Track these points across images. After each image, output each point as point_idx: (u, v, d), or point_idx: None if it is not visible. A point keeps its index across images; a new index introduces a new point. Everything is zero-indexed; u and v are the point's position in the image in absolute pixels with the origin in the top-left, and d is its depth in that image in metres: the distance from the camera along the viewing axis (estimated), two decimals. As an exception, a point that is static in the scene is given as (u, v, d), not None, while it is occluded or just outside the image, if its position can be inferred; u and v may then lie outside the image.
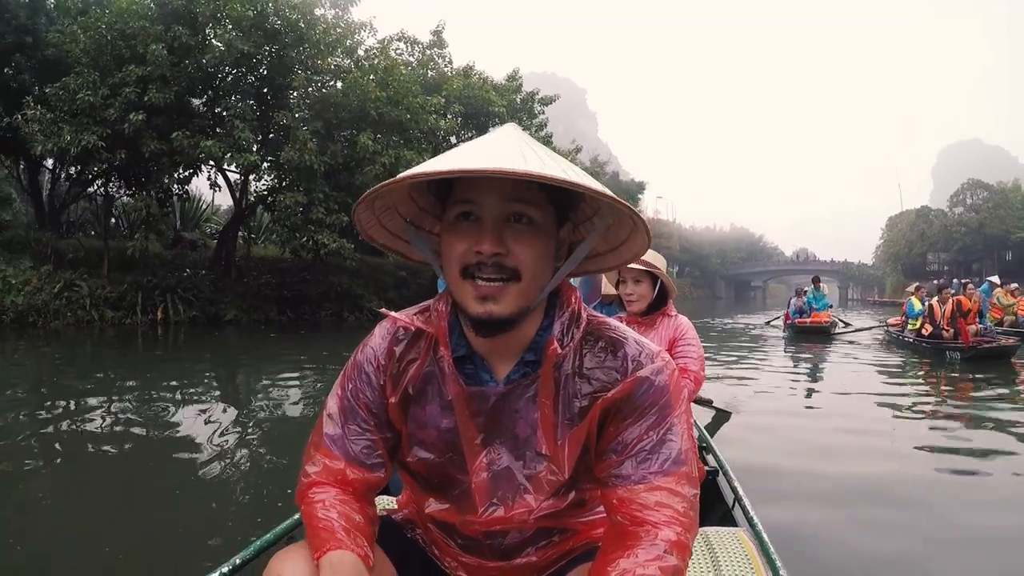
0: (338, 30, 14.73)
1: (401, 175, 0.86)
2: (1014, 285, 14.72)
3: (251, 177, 16.12)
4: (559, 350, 0.99)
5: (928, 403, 7.04)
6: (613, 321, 1.06)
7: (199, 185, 17.06)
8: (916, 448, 4.76)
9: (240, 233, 17.72)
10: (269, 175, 15.93)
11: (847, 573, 2.73)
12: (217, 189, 16.47)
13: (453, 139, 17.20)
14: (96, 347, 11.23)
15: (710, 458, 2.93)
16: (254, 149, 14.08)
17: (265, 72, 14.76)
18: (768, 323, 18.72)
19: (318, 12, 14.74)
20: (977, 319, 10.90)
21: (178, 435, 5.01)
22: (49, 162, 18.14)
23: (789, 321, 15.19)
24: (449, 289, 0.98)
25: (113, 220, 17.80)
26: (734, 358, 10.68)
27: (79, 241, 16.54)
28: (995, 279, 15.43)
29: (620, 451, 0.98)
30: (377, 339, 1.08)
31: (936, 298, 11.39)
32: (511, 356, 1.01)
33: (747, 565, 1.50)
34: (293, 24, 14.03)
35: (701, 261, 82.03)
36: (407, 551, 1.16)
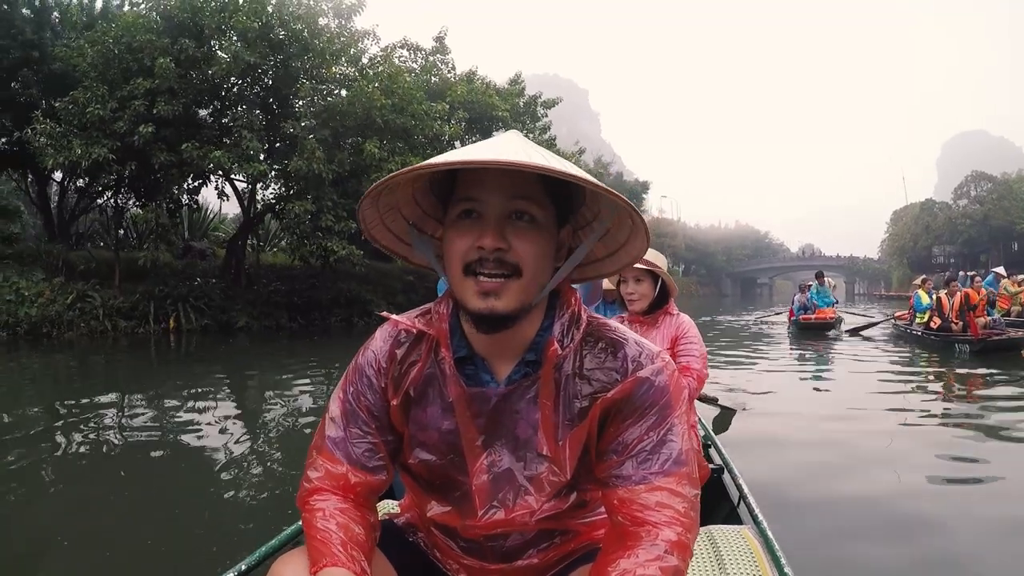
0: (342, 39, 14.83)
1: (407, 168, 0.87)
2: (1022, 276, 14.69)
3: (258, 186, 16.26)
4: (559, 351, 0.99)
5: (937, 398, 6.98)
6: (613, 322, 1.07)
7: (206, 194, 17.23)
8: (925, 444, 4.72)
9: (249, 241, 17.84)
10: (276, 183, 16.05)
11: (853, 572, 2.72)
12: (225, 199, 16.62)
13: (457, 144, 17.25)
14: (110, 356, 11.36)
15: (715, 456, 2.93)
16: (261, 158, 14.19)
17: (270, 82, 14.88)
18: (770, 314, 18.31)
19: (322, 22, 14.84)
20: (985, 311, 10.87)
21: (191, 441, 5.09)
22: (57, 175, 18.33)
23: (793, 317, 15.06)
24: (451, 287, 0.99)
25: (122, 231, 17.94)
26: (739, 355, 10.66)
27: (89, 252, 16.66)
28: (1000, 270, 15.40)
29: (621, 451, 0.98)
30: (378, 342, 1.08)
31: (944, 291, 11.35)
32: (511, 357, 1.02)
33: (752, 563, 1.49)
34: (297, 34, 14.16)
35: (707, 259, 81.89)
36: (409, 555, 1.17)
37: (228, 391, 8.04)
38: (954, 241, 61.65)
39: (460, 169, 0.93)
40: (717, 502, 2.49)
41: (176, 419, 5.94)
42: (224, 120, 15.09)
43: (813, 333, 13.91)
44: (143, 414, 6.22)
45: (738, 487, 2.38)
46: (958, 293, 10.97)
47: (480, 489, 1.03)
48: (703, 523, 1.65)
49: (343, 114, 14.07)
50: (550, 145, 20.65)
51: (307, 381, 8.16)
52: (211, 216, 23.28)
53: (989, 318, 10.74)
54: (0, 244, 15.72)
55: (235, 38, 13.79)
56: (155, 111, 13.04)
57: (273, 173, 15.20)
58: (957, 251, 61.57)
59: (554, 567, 1.12)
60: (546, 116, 21.26)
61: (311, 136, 13.95)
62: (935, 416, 5.85)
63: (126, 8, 16.84)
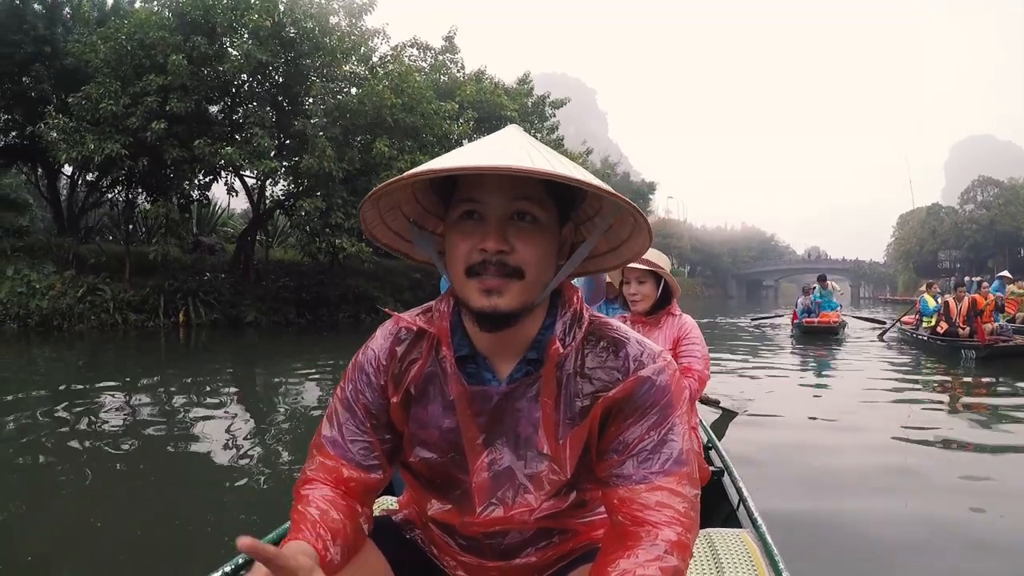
0: (352, 38, 14.90)
1: (408, 172, 0.86)
2: None
3: (268, 182, 16.35)
4: (561, 349, 0.99)
5: (942, 405, 6.90)
6: (615, 321, 1.07)
7: (214, 190, 17.32)
8: (927, 452, 4.67)
9: (258, 237, 17.96)
10: (285, 179, 16.15)
11: None
12: (234, 194, 16.71)
13: (466, 143, 17.27)
14: (120, 349, 11.47)
15: (715, 458, 2.92)
16: (271, 155, 14.28)
17: (281, 80, 14.97)
18: (764, 318, 18.11)
19: (333, 20, 14.91)
20: (992, 317, 10.81)
21: (198, 433, 5.15)
22: (67, 169, 18.47)
23: (796, 321, 14.86)
24: (453, 288, 0.99)
25: (131, 226, 18.07)
26: (742, 358, 10.60)
27: (99, 246, 16.82)
28: (1006, 274, 15.36)
29: (621, 451, 0.98)
30: (379, 340, 1.09)
31: (952, 295, 11.29)
32: (513, 356, 1.02)
33: (750, 567, 1.48)
34: (308, 33, 14.23)
35: (713, 260, 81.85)
36: (405, 552, 1.17)
37: (236, 385, 8.11)
38: (960, 246, 61.43)
39: None
40: (717, 505, 2.50)
41: (184, 412, 6.01)
42: (235, 117, 15.18)
43: (816, 337, 13.75)
44: (151, 406, 6.29)
45: (738, 490, 2.38)
46: (965, 298, 10.93)
47: (480, 486, 1.03)
48: (702, 526, 1.66)
49: (354, 112, 14.14)
50: (557, 145, 20.68)
51: (314, 376, 8.21)
52: (220, 212, 23.39)
53: (996, 324, 10.69)
54: (11, 237, 15.89)
55: (247, 36, 13.87)
56: (168, 107, 13.13)
57: (283, 170, 15.28)
58: (963, 256, 61.36)
59: (552, 566, 1.12)
60: (554, 116, 21.30)
61: (321, 134, 14.03)
62: (939, 424, 5.78)
63: (138, 5, 16.98)
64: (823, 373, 9.55)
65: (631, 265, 2.51)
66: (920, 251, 65.23)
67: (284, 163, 15.18)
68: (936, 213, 66.42)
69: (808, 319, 14.33)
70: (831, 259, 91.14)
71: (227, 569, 1.48)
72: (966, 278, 23.12)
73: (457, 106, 16.17)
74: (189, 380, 7.98)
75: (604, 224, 1.01)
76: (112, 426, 5.35)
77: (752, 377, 8.31)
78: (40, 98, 15.50)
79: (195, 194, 16.11)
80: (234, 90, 15.08)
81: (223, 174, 15.76)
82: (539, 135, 19.94)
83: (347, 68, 15.12)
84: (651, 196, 45.68)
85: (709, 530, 1.66)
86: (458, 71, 18.95)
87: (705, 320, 21.07)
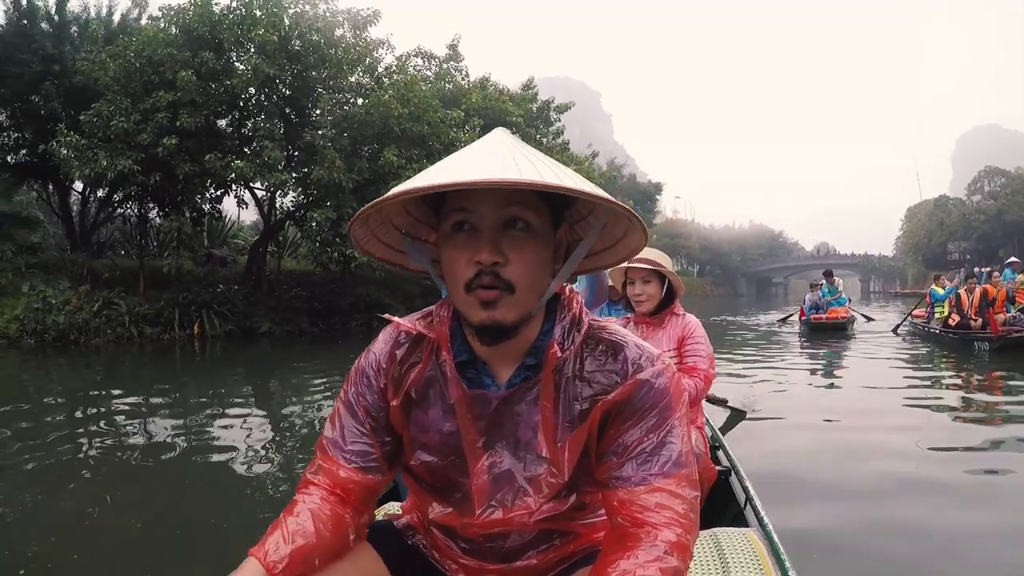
0: (357, 49, 15.01)
1: (393, 191, 0.86)
2: None
3: (277, 193, 16.50)
4: (559, 353, 1.00)
5: (955, 400, 6.80)
6: (614, 325, 1.07)
7: (224, 202, 17.47)
8: (941, 450, 4.58)
9: (268, 247, 18.11)
10: (295, 191, 16.29)
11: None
12: (244, 207, 16.87)
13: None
14: (137, 361, 11.61)
15: (722, 458, 2.91)
16: (280, 167, 14.43)
17: (287, 92, 15.11)
18: (784, 319, 17.85)
19: (338, 32, 15.04)
20: (1005, 307, 10.76)
21: (213, 443, 5.23)
22: (78, 185, 18.68)
23: (804, 317, 14.68)
24: (452, 302, 1.00)
25: (143, 240, 18.26)
26: (749, 356, 10.57)
27: (113, 261, 16.99)
28: (1015, 260, 15.27)
29: (620, 453, 0.98)
30: (380, 344, 1.10)
31: (963, 288, 11.23)
32: (512, 360, 1.02)
33: (756, 566, 1.48)
34: (314, 45, 14.36)
35: (721, 259, 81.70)
36: (407, 557, 1.17)
37: (252, 394, 8.20)
38: (969, 237, 61.18)
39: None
40: (724, 504, 2.50)
41: (201, 421, 6.10)
42: (243, 130, 15.33)
43: (825, 333, 13.61)
44: (168, 417, 6.38)
45: (744, 489, 2.39)
46: (977, 289, 10.86)
47: (479, 489, 1.04)
48: (709, 525, 1.68)
49: (361, 123, 14.26)
50: (564, 149, 20.76)
51: (329, 384, 8.27)
52: (230, 224, 23.59)
53: (1009, 314, 10.64)
54: (25, 254, 16.09)
55: (252, 50, 14.02)
56: (178, 123, 13.28)
57: (292, 181, 15.42)
58: (972, 247, 61.09)
59: (554, 569, 1.12)
60: (559, 120, 21.36)
61: (330, 145, 14.16)
62: (953, 420, 5.69)
63: (143, 21, 17.17)
64: (832, 370, 9.49)
65: (636, 265, 2.56)
66: (929, 243, 65.01)
67: (294, 175, 15.31)
68: (944, 205, 66.19)
69: (816, 315, 14.19)
70: (840, 254, 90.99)
71: None
72: (975, 269, 22.99)
73: (463, 114, 16.26)
74: (206, 390, 8.11)
75: (599, 224, 1.02)
76: (129, 435, 5.45)
77: (759, 375, 8.27)
78: (50, 116, 15.68)
79: (207, 207, 16.24)
80: (241, 104, 15.23)
81: (234, 187, 15.92)
82: (545, 140, 20.01)
83: (353, 79, 15.24)
84: (658, 197, 45.75)
85: (715, 529, 1.67)
86: (462, 79, 19.05)
87: (717, 318, 20.94)
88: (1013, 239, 56.08)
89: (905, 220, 75.54)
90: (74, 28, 17.46)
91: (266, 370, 10.66)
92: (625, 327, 2.57)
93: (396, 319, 1.10)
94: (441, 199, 0.97)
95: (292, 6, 14.54)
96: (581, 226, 1.07)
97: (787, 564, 1.56)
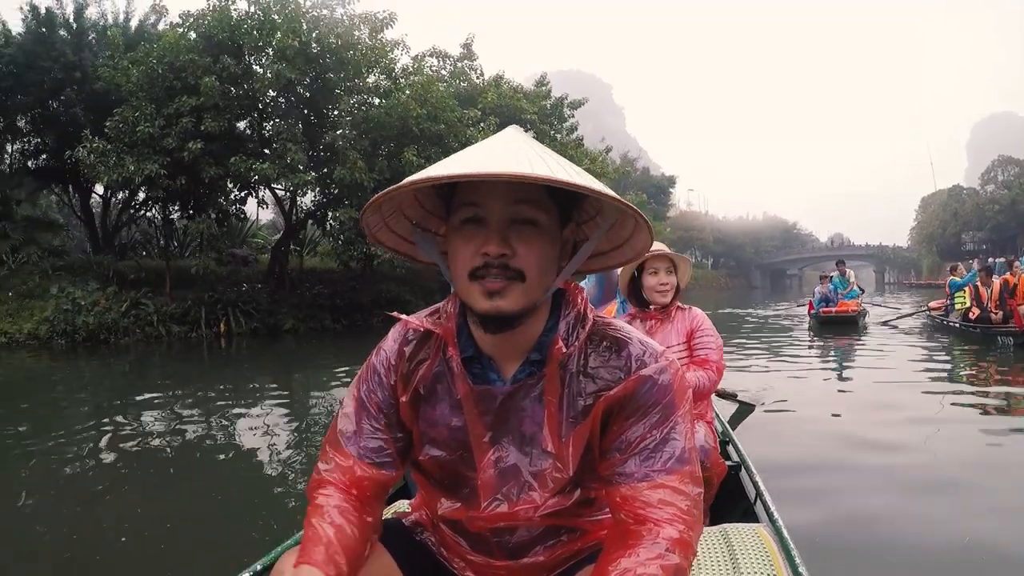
0: (375, 51, 15.19)
1: (408, 179, 0.88)
2: None
3: (297, 193, 16.77)
4: (564, 349, 1.01)
5: (973, 394, 6.57)
6: (618, 321, 1.08)
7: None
8: (955, 446, 4.44)
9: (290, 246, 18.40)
10: (314, 190, 16.56)
11: (870, 572, 2.68)
12: (265, 207, 17.14)
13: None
14: (165, 360, 11.92)
15: (732, 452, 2.90)
16: (302, 168, 14.66)
17: (307, 95, 15.33)
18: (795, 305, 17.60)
19: (355, 35, 15.22)
20: None
21: (237, 439, 5.40)
22: (99, 188, 19.01)
23: (813, 311, 14.19)
24: (456, 291, 1.00)
25: (168, 241, 18.59)
26: (760, 350, 10.43)
27: (138, 262, 17.34)
28: None
29: (624, 449, 0.99)
30: (389, 341, 1.12)
31: (978, 280, 10.95)
32: (517, 356, 1.03)
33: (766, 562, 1.46)
34: (333, 49, 14.57)
35: (735, 251, 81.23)
36: (416, 554, 1.18)
37: (278, 391, 8.34)
38: (983, 227, 60.55)
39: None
40: (734, 499, 2.50)
41: (225, 418, 6.22)
42: (265, 133, 15.60)
43: (834, 327, 13.17)
44: (195, 413, 6.56)
45: (754, 484, 2.37)
46: (996, 280, 10.56)
47: (486, 483, 1.05)
48: (719, 521, 1.80)
49: (380, 124, 14.46)
50: (577, 145, 20.86)
51: (350, 381, 8.41)
52: (250, 224, 23.92)
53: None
54: (51, 257, 16.44)
55: (271, 53, 14.24)
56: (203, 127, 13.54)
57: (313, 181, 15.67)
58: (986, 237, 60.46)
59: (561, 565, 1.13)
60: (573, 116, 21.47)
61: (350, 146, 14.37)
62: (972, 417, 5.51)
63: (162, 27, 17.43)
64: (845, 364, 9.29)
65: (663, 252, 2.60)
66: (943, 234, 64.45)
67: (314, 174, 15.55)
68: (957, 195, 65.62)
69: (825, 308, 13.74)
70: (854, 245, 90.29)
71: (258, 567, 1.54)
72: (990, 259, 22.80)
73: (479, 112, 16.43)
74: (234, 387, 8.33)
75: (606, 224, 1.03)
76: (156, 432, 5.62)
77: (769, 369, 8.19)
78: (71, 121, 16.00)
79: (232, 209, 16.52)
80: (261, 106, 15.51)
81: (256, 188, 16.17)
82: (559, 136, 20.11)
83: (371, 80, 15.47)
84: (671, 189, 45.70)
85: (725, 525, 1.65)
86: (477, 77, 19.20)
87: (732, 310, 20.57)
88: (1027, 229, 55.58)
89: (919, 210, 74.96)
90: (92, 35, 17.75)
91: (292, 367, 10.90)
92: (631, 323, 2.75)
93: (404, 316, 1.11)
94: (452, 192, 0.99)
95: (310, 11, 14.78)
96: (589, 226, 1.09)
97: (798, 560, 1.56)
